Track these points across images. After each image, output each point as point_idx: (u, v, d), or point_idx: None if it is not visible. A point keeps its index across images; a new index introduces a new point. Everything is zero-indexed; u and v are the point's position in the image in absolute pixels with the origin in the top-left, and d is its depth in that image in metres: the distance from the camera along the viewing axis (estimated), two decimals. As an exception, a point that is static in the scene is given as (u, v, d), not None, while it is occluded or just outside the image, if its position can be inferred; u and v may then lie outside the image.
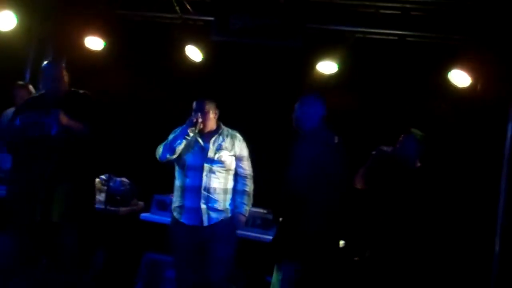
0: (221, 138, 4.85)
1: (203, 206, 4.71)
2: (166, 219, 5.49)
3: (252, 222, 5.48)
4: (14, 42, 6.39)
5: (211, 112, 4.83)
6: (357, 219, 5.20)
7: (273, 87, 6.51)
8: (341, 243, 5.47)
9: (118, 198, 5.78)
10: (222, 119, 4.94)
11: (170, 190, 5.79)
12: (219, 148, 4.80)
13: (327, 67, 5.93)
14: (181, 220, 4.77)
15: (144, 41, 6.76)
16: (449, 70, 5.25)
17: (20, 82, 6.30)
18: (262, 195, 5.08)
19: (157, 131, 6.57)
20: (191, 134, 4.73)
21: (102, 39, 6.43)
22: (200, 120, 4.72)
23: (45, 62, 4.60)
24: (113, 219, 5.68)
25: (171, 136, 4.87)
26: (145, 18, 6.55)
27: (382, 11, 5.67)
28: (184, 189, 4.80)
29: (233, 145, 4.85)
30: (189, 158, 4.79)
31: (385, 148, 4.74)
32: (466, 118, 5.68)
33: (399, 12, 5.61)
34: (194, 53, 6.40)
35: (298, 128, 4.53)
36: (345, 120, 5.92)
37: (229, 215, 4.81)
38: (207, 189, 4.73)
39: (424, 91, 5.81)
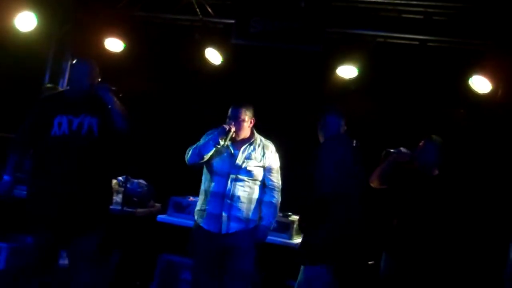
0: (252, 147, 4.89)
1: (224, 214, 4.75)
2: (182, 221, 5.69)
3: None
4: (34, 43, 6.58)
5: (246, 120, 4.85)
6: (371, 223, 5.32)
7: (293, 91, 6.67)
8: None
9: (135, 199, 5.96)
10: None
11: (187, 192, 6.03)
12: (248, 157, 4.84)
13: (347, 71, 6.07)
14: (201, 225, 4.83)
15: (164, 44, 6.95)
16: (470, 76, 5.39)
17: (49, 85, 6.46)
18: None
19: (175, 133, 6.81)
20: (222, 143, 4.75)
21: (122, 41, 6.65)
22: (233, 129, 4.76)
23: (77, 60, 4.58)
24: (130, 220, 5.86)
25: (202, 141, 4.90)
26: (165, 20, 6.77)
27: (404, 15, 5.82)
28: (208, 194, 4.85)
29: (263, 155, 4.89)
30: (217, 164, 4.84)
31: (403, 150, 4.90)
32: (486, 124, 5.81)
33: (421, 17, 5.78)
34: (214, 56, 6.59)
35: (320, 137, 4.77)
36: (364, 124, 6.08)
37: (251, 226, 4.84)
38: (231, 197, 4.77)
39: (445, 97, 5.93)
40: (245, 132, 4.88)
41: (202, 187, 4.95)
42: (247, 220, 4.82)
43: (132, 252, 5.83)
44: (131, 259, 5.83)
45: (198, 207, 4.93)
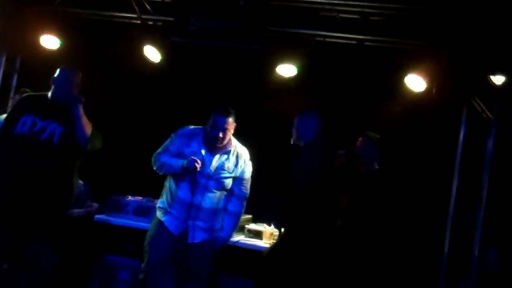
0: (226, 155, 4.77)
1: (190, 223, 4.70)
2: (120, 221, 5.77)
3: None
4: (-34, 40, 6.54)
5: (230, 129, 4.72)
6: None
7: (232, 89, 6.80)
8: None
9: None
10: (181, 121, 5.05)
11: (125, 191, 6.10)
12: (221, 167, 4.73)
13: (286, 70, 6.20)
14: (163, 220, 4.76)
15: (102, 41, 6.95)
16: (406, 75, 5.61)
17: (22, 89, 6.45)
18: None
19: (112, 131, 6.82)
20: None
21: (58, 38, 6.62)
22: (198, 167, 4.59)
23: (63, 67, 4.65)
24: (67, 221, 5.88)
25: (168, 141, 4.79)
26: (103, 17, 6.75)
27: (342, 15, 5.98)
28: (173, 198, 4.75)
29: (235, 165, 4.78)
30: None
31: (340, 152, 5.10)
32: (421, 122, 6.09)
33: (359, 17, 5.97)
34: (152, 53, 6.61)
35: (298, 141, 4.90)
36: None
37: (215, 235, 4.84)
38: (198, 208, 4.69)
39: (381, 95, 6.15)
40: (226, 140, 4.76)
41: (168, 186, 4.82)
42: (211, 230, 4.81)
43: (70, 252, 5.86)
44: (67, 260, 5.85)
45: (161, 205, 4.84)
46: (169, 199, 4.79)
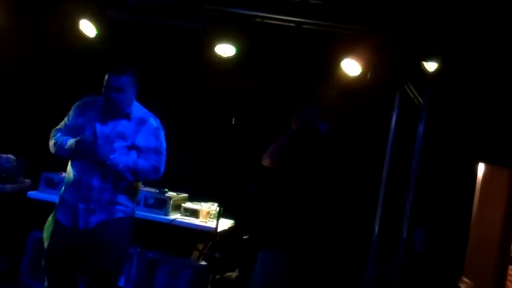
0: (124, 122, 4.17)
1: (81, 206, 4.12)
2: (54, 197, 5.79)
3: (145, 201, 5.86)
4: None
5: (129, 90, 4.15)
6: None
7: (170, 67, 6.89)
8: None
9: (4, 175, 6.00)
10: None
11: (59, 168, 6.13)
12: (115, 135, 4.13)
13: (225, 49, 6.25)
14: (56, 216, 4.27)
15: (35, 14, 6.85)
16: (342, 59, 5.81)
17: None
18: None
19: (46, 107, 6.85)
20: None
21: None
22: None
23: None
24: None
25: (59, 137, 4.28)
26: (37, -11, 6.71)
27: (282, -4, 6.17)
28: (69, 179, 4.23)
29: (136, 133, 4.16)
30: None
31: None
32: (355, 106, 6.37)
33: (298, -1, 6.15)
34: (88, 28, 6.50)
35: (294, 125, 5.15)
36: (240, 102, 6.47)
37: (116, 216, 4.20)
38: (88, 187, 4.11)
39: (318, 78, 6.37)
40: (125, 105, 4.16)
41: (68, 168, 4.32)
42: (110, 210, 4.19)
43: (1, 229, 5.88)
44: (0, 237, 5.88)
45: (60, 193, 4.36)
46: (64, 183, 4.29)
